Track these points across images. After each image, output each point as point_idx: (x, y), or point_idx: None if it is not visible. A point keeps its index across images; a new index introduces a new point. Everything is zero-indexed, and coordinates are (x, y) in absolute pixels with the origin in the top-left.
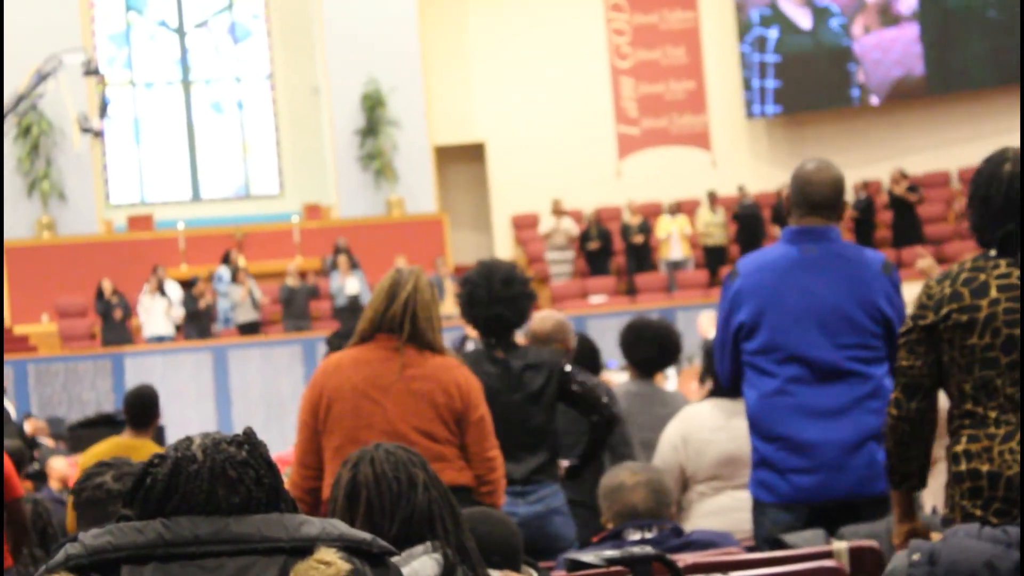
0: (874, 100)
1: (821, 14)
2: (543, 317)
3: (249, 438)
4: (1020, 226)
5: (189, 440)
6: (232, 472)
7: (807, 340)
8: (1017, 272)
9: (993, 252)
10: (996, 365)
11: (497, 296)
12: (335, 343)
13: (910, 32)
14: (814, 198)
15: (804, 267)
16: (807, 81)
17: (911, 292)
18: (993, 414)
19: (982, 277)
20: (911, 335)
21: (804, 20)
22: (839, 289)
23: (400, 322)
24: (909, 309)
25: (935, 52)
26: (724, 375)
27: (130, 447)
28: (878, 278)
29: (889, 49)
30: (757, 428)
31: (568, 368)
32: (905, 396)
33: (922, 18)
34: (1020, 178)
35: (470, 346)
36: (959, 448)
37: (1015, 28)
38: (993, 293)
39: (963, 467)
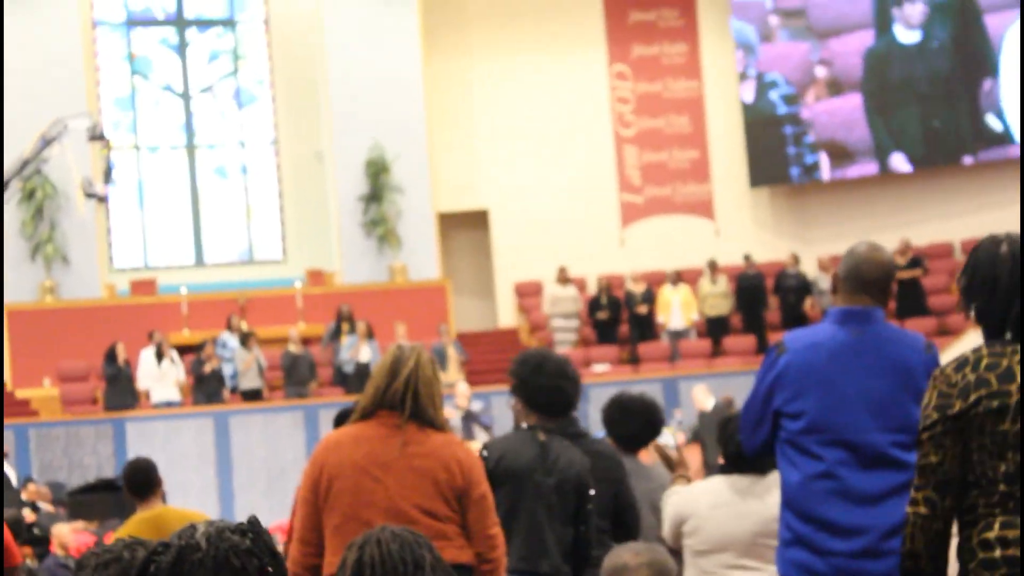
0: (872, 171)
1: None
2: None
3: (253, 526)
4: None
5: (193, 528)
6: (236, 561)
7: (856, 425)
8: None
9: (1009, 336)
10: None
11: (562, 371)
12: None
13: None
14: (865, 278)
15: (854, 350)
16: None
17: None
18: None
19: (1005, 363)
20: (936, 428)
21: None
22: (887, 374)
23: (402, 399)
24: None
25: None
26: (753, 446)
27: (155, 518)
28: (922, 361)
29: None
30: (796, 507)
31: (592, 491)
32: (939, 495)
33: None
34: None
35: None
36: (991, 535)
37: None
38: (1019, 378)
39: (997, 554)
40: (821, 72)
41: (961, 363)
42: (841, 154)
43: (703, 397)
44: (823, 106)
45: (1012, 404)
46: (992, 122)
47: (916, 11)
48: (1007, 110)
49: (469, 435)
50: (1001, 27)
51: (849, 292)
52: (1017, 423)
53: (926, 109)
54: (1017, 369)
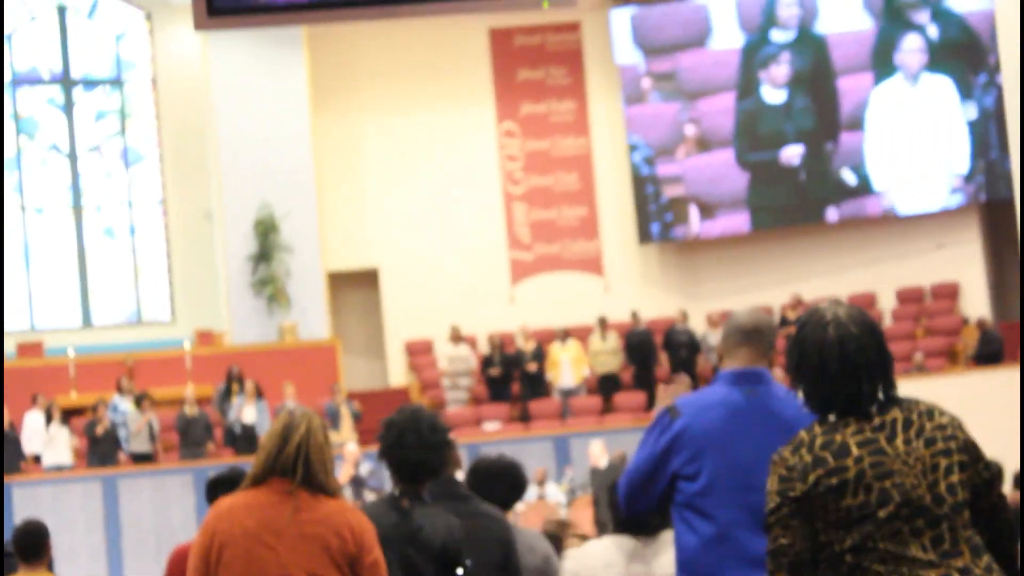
0: (745, 223)
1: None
2: None
3: None
4: (858, 388)
5: None
6: None
7: (753, 485)
8: (869, 427)
9: (832, 417)
10: (874, 520)
11: (426, 441)
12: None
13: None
14: (744, 327)
15: (747, 410)
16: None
17: None
18: (879, 568)
19: (839, 438)
20: (781, 511)
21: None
22: (782, 434)
23: (293, 465)
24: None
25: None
26: (637, 510)
27: None
28: (809, 419)
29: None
30: (693, 570)
31: (465, 561)
32: None
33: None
34: (850, 341)
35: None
36: None
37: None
38: (855, 451)
39: None
40: (690, 130)
41: (797, 445)
42: (711, 207)
43: (598, 454)
44: (692, 162)
45: (850, 478)
46: (847, 176)
47: (781, 72)
48: (869, 163)
49: (359, 499)
50: (859, 88)
51: (732, 348)
52: (858, 496)
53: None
54: (852, 442)
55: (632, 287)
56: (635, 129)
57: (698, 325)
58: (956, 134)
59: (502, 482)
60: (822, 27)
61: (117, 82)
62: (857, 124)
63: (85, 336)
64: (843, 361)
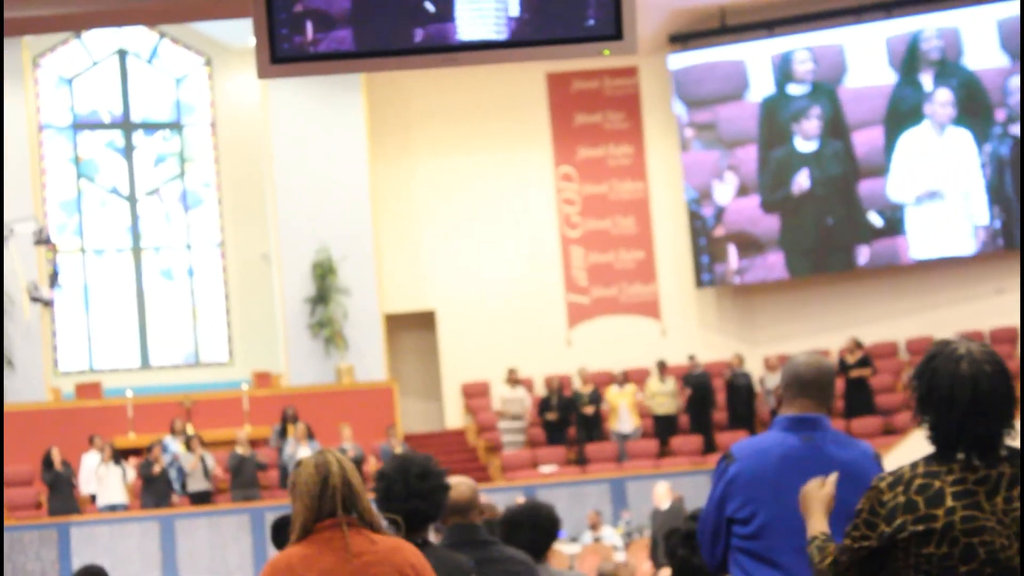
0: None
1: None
2: (456, 484)
3: None
4: (988, 429)
5: None
6: None
7: (804, 532)
8: (972, 478)
9: (960, 455)
10: (954, 574)
11: (414, 490)
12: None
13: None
14: (804, 379)
15: (803, 455)
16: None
17: None
18: None
19: (937, 484)
20: (859, 544)
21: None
22: (839, 479)
23: (339, 507)
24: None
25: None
26: (714, 561)
27: None
28: (872, 470)
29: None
30: None
31: None
32: None
33: None
34: (984, 380)
35: None
36: None
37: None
38: (949, 502)
39: None
40: (730, 177)
41: (897, 479)
42: (751, 247)
43: (662, 495)
44: (734, 205)
45: (938, 528)
46: (873, 218)
47: (812, 125)
48: (894, 206)
49: None
50: (873, 138)
51: (791, 398)
52: (942, 547)
53: (820, 208)
54: (949, 492)
55: (689, 331)
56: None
57: (755, 369)
58: (975, 182)
59: (525, 527)
60: (847, 81)
61: (177, 126)
62: (881, 170)
63: (143, 377)
64: (975, 398)
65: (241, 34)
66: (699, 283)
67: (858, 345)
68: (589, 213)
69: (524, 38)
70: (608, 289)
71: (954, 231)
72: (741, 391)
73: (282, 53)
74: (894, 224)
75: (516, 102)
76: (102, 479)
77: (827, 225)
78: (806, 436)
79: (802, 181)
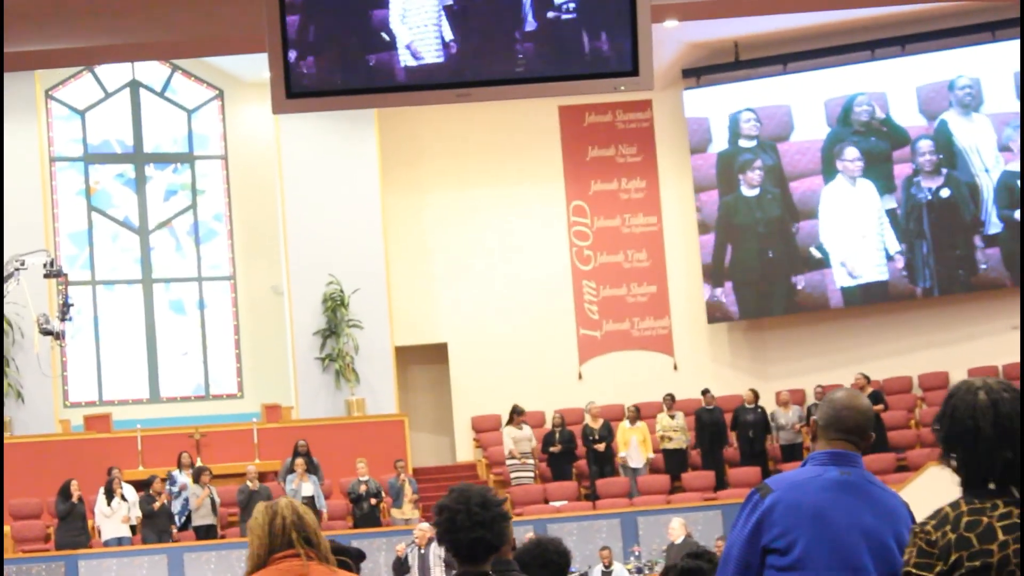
0: (835, 304)
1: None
2: None
3: None
4: (1015, 455)
5: None
6: None
7: (850, 556)
8: (1016, 512)
9: (993, 486)
10: None
11: (477, 520)
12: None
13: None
14: (846, 423)
15: (843, 488)
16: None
17: None
18: None
19: (985, 520)
20: None
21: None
22: (874, 516)
23: (291, 540)
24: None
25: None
26: None
27: None
28: (903, 511)
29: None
30: None
31: None
32: None
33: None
34: (1004, 404)
35: None
36: None
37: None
38: (1000, 536)
39: None
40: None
41: (941, 520)
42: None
43: (677, 530)
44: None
45: (994, 563)
46: (813, 252)
47: (756, 175)
48: (825, 243)
49: None
50: (810, 186)
51: (830, 440)
52: None
53: (762, 244)
54: (998, 526)
55: (701, 366)
56: None
57: (768, 404)
58: (882, 225)
59: (534, 567)
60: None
61: (188, 158)
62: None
63: (153, 410)
64: (997, 424)
65: (253, 67)
66: (711, 318)
67: (868, 381)
68: (601, 247)
69: (539, 74)
70: (620, 324)
71: (868, 264)
72: (753, 427)
73: (298, 88)
74: (824, 258)
75: (529, 135)
76: (114, 512)
77: (768, 258)
78: (844, 471)
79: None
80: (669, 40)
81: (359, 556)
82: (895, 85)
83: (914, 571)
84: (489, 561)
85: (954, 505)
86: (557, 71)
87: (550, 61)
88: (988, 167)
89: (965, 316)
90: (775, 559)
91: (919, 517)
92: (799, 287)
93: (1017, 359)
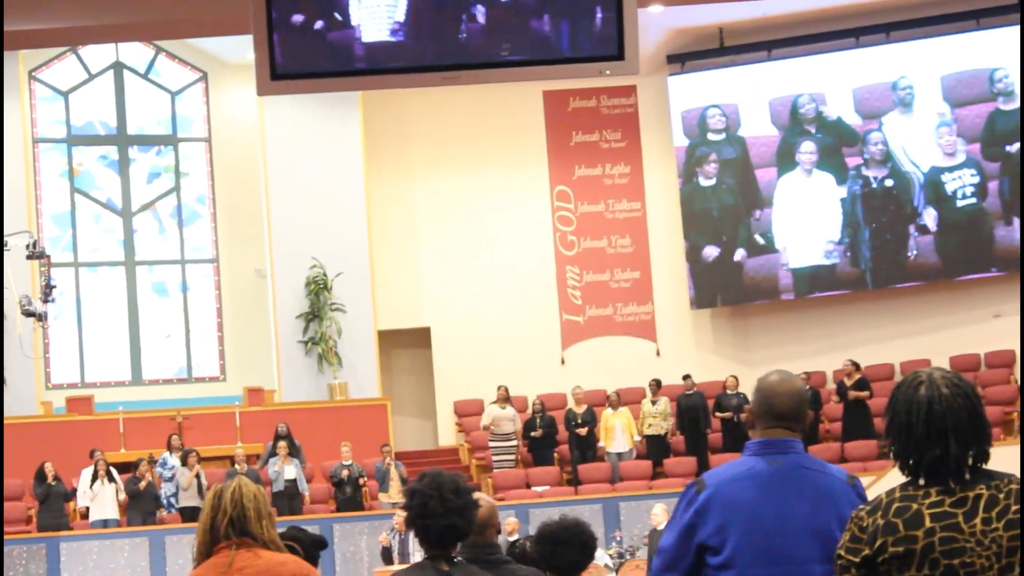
0: (817, 292)
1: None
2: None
3: None
4: (944, 452)
5: None
6: None
7: (779, 556)
8: (949, 500)
9: (922, 481)
10: None
11: (450, 506)
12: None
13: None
14: (778, 409)
15: (773, 480)
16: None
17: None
18: None
19: (914, 507)
20: (848, 572)
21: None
22: (811, 501)
23: (229, 527)
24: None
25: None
26: None
27: None
28: (845, 491)
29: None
30: None
31: None
32: None
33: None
34: (939, 401)
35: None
36: None
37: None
38: (927, 523)
39: None
40: None
41: (875, 506)
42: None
43: (660, 515)
44: None
45: (917, 550)
46: (760, 239)
47: (711, 168)
48: (775, 231)
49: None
50: (770, 176)
51: (764, 428)
52: (923, 569)
53: (716, 232)
54: (927, 513)
55: (684, 352)
56: None
57: (750, 390)
58: (833, 211)
59: (574, 546)
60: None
61: (172, 140)
62: (768, 202)
63: (135, 392)
64: (929, 422)
65: (237, 49)
66: (694, 304)
67: (856, 367)
68: (585, 232)
69: (525, 57)
70: (603, 309)
71: (815, 248)
72: (734, 412)
73: (282, 70)
74: (771, 242)
75: (513, 120)
76: (96, 495)
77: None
78: (776, 460)
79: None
80: (654, 26)
81: (317, 544)
82: (875, 74)
83: (843, 555)
84: (455, 547)
85: (889, 492)
86: (542, 55)
87: (535, 45)
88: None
89: (948, 303)
90: (710, 557)
91: None
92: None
93: (998, 347)
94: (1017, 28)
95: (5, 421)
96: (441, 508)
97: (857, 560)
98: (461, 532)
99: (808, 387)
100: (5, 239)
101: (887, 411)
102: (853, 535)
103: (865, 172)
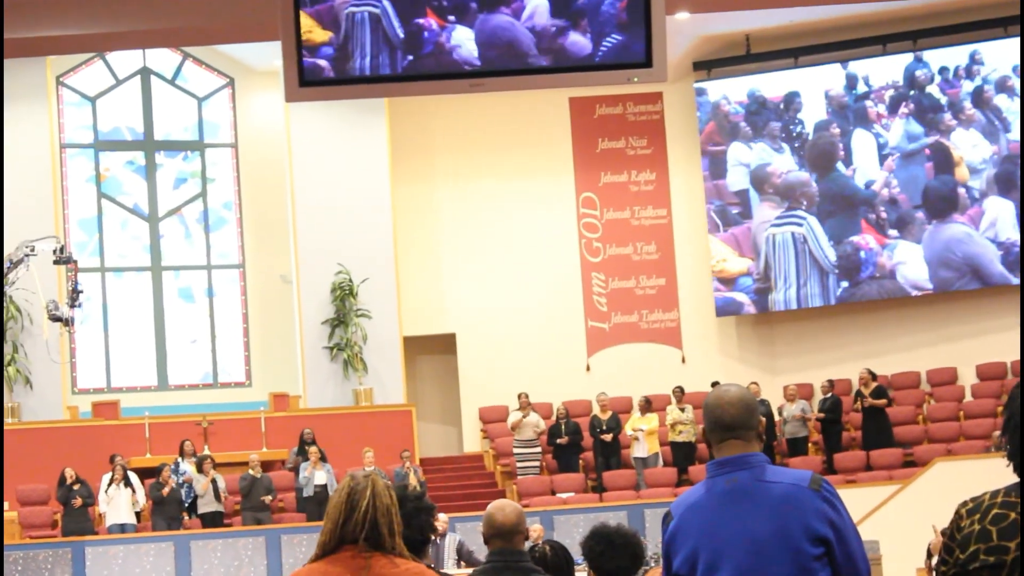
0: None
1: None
2: (502, 506)
3: None
4: None
5: None
6: None
7: (740, 572)
8: None
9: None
10: None
11: (407, 520)
12: None
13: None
14: (724, 420)
15: (730, 499)
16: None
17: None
18: None
19: (1011, 516)
20: (946, 568)
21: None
22: (771, 517)
23: (362, 532)
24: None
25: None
26: None
27: None
28: (807, 498)
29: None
30: None
31: None
32: None
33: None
34: None
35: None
36: None
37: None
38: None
39: None
40: None
41: (976, 506)
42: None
43: None
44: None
45: (1008, 561)
46: None
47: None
48: None
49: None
50: None
51: (717, 444)
52: None
53: None
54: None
55: (709, 359)
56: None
57: (775, 398)
58: None
59: (626, 552)
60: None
61: (199, 146)
62: None
63: (161, 397)
64: None
65: (264, 55)
66: (719, 311)
67: (872, 376)
68: (611, 239)
69: (552, 64)
70: (629, 316)
71: None
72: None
73: (310, 77)
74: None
75: (539, 126)
76: (111, 499)
77: None
78: (731, 479)
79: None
80: (680, 33)
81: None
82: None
83: (943, 553)
84: (422, 557)
85: (994, 494)
86: (570, 62)
87: (564, 52)
88: None
89: (974, 311)
90: None
91: (929, 513)
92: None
93: None
94: None
95: (32, 426)
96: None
97: (951, 559)
98: (412, 543)
99: (758, 396)
100: (32, 244)
101: (1005, 409)
102: (952, 534)
103: None
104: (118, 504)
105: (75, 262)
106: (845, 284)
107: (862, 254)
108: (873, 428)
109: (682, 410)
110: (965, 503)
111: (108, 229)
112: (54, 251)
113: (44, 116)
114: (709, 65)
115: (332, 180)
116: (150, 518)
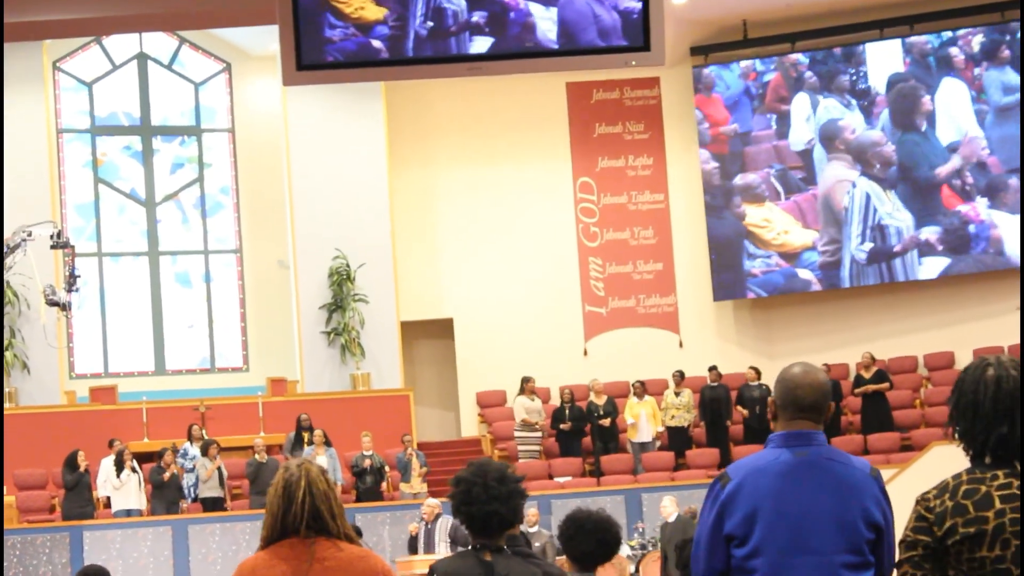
0: (843, 284)
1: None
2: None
3: None
4: (1011, 430)
5: None
6: None
7: (804, 546)
8: (1017, 482)
9: (988, 460)
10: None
11: (493, 493)
12: None
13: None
14: (802, 402)
15: (798, 471)
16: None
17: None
18: None
19: (983, 489)
20: (915, 551)
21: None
22: (834, 492)
23: (302, 522)
24: (901, 525)
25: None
26: None
27: None
28: (868, 484)
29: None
30: None
31: None
32: None
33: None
34: (1007, 380)
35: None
36: None
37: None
38: (997, 504)
39: None
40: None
41: (942, 489)
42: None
43: (669, 508)
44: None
45: (989, 530)
46: None
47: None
48: None
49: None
50: None
51: (787, 420)
52: (995, 549)
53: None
54: (996, 495)
55: (706, 344)
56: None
57: (772, 382)
58: None
59: (593, 537)
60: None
61: (195, 131)
62: None
63: (158, 382)
64: (996, 400)
65: (261, 40)
66: (717, 296)
67: (873, 360)
68: (608, 224)
69: (549, 48)
70: (626, 301)
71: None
72: (755, 404)
73: (308, 60)
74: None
75: (536, 111)
76: (124, 484)
77: None
78: (800, 452)
79: None
80: (677, 17)
81: (357, 533)
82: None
83: (910, 535)
84: (503, 536)
85: (956, 476)
86: (568, 45)
87: (561, 35)
88: None
89: (971, 296)
90: (736, 548)
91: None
92: None
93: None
94: None
95: (29, 411)
96: (484, 495)
97: (927, 541)
98: (505, 520)
99: (757, 380)
100: (29, 229)
101: (952, 393)
102: (919, 515)
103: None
104: (129, 489)
105: (72, 247)
106: (947, 260)
107: (971, 227)
108: (872, 412)
109: (677, 395)
110: (925, 493)
111: (105, 214)
112: (51, 236)
113: (41, 101)
114: (706, 50)
115: (329, 165)
116: (149, 502)
